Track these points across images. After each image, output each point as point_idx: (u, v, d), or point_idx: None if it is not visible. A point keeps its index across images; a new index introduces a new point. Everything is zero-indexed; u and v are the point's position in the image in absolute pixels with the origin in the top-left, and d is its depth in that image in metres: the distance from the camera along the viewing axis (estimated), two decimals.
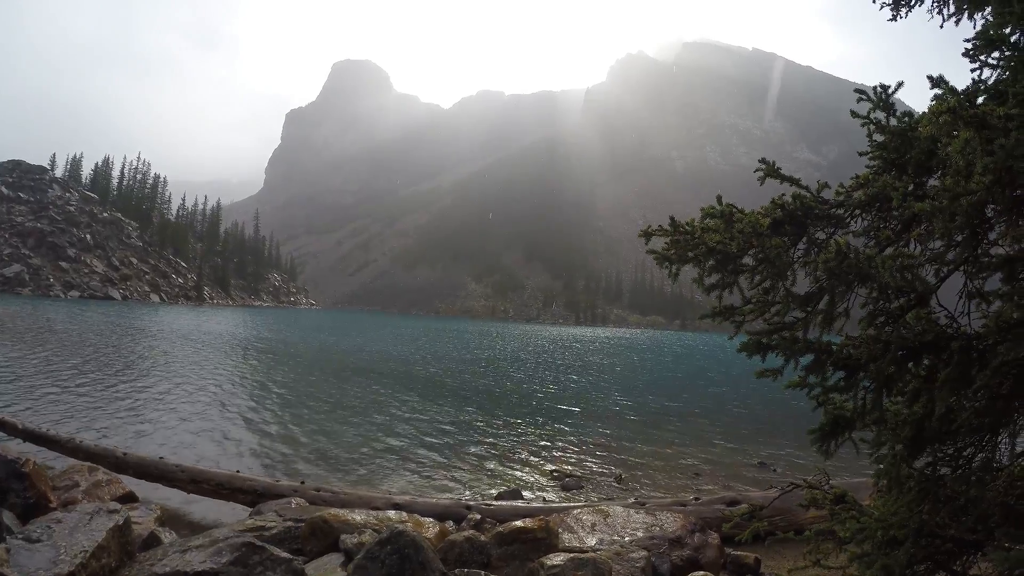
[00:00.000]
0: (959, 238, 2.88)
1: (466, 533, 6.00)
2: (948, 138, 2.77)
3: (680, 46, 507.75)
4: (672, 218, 3.33)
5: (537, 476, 11.41)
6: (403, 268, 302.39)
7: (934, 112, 2.73)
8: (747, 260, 3.31)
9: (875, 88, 3.38)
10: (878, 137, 3.38)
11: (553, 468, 11.86)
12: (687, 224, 3.34)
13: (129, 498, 7.97)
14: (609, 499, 9.34)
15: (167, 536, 6.35)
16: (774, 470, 12.46)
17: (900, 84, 3.30)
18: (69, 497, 7.25)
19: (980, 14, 3.45)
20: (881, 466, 3.38)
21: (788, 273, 3.27)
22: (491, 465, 12.00)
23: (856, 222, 3.43)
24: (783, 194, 3.35)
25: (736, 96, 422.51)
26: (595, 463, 12.52)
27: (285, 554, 4.86)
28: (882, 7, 3.92)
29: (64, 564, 4.47)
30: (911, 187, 3.24)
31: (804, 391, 3.30)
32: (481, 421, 16.69)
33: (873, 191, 3.27)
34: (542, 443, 14.16)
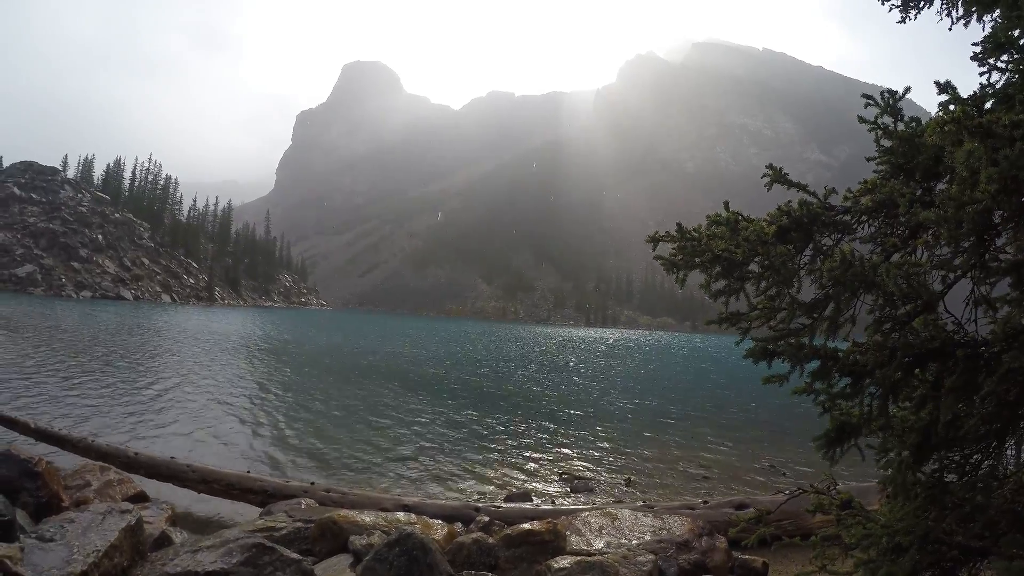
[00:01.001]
0: (966, 245, 2.87)
1: (474, 535, 6.02)
2: (954, 147, 2.75)
3: (689, 47, 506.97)
4: (679, 224, 3.33)
5: (546, 478, 11.42)
6: (413, 269, 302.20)
7: (939, 122, 2.71)
8: (753, 267, 3.31)
9: (882, 92, 3.37)
10: (885, 142, 3.37)
11: (562, 470, 11.87)
12: (694, 231, 3.34)
13: (140, 497, 8.03)
14: (618, 502, 9.35)
15: (178, 536, 6.40)
16: (784, 474, 12.43)
17: (907, 90, 3.30)
18: (81, 496, 7.30)
19: (989, 16, 3.44)
20: (887, 472, 3.37)
21: (794, 280, 3.27)
22: (500, 467, 12.00)
23: (863, 228, 3.42)
24: (789, 201, 3.34)
25: (746, 96, 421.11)
26: (604, 465, 12.52)
27: (295, 555, 4.89)
28: (891, 9, 3.92)
29: (77, 563, 4.51)
30: (919, 193, 3.23)
31: (811, 397, 3.30)
32: (491, 423, 16.70)
33: (880, 197, 3.27)
34: (552, 445, 14.17)
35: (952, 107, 2.77)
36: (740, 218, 3.33)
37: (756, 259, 3.26)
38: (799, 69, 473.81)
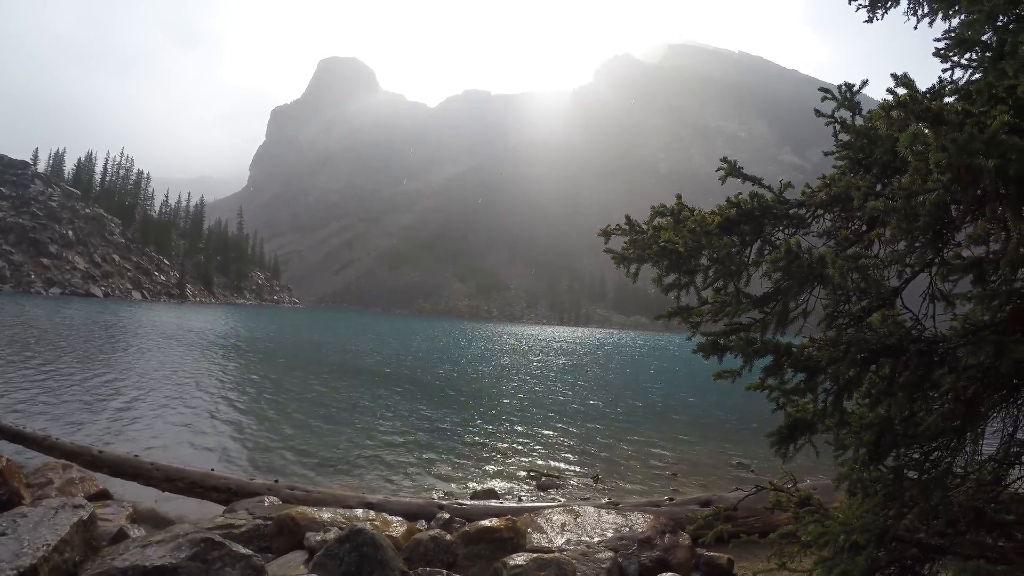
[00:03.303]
0: (922, 239, 2.84)
1: (432, 532, 5.98)
2: (900, 132, 2.73)
3: (666, 48, 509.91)
4: (628, 217, 3.30)
5: (514, 477, 11.38)
6: (387, 267, 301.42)
7: (884, 107, 2.68)
8: (704, 260, 3.28)
9: (840, 86, 3.36)
10: (844, 136, 3.36)
11: (530, 468, 11.83)
12: (643, 224, 3.31)
13: (102, 495, 8.00)
14: (584, 499, 9.33)
15: (136, 532, 6.32)
16: (751, 471, 12.47)
17: (864, 83, 3.28)
18: (42, 494, 7.23)
19: (955, 15, 3.45)
20: (843, 470, 3.35)
21: (743, 274, 3.24)
22: (468, 465, 11.96)
23: (819, 222, 3.40)
24: (739, 193, 3.32)
25: (722, 99, 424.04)
26: (573, 463, 12.51)
27: (245, 550, 4.82)
28: (858, 8, 3.92)
29: (27, 557, 4.45)
30: (878, 187, 3.21)
31: (764, 393, 3.27)
32: (459, 421, 16.65)
33: (835, 191, 3.25)
34: (520, 443, 14.13)
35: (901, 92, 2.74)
36: (684, 208, 3.29)
37: (704, 252, 3.23)
38: (774, 72, 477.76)
